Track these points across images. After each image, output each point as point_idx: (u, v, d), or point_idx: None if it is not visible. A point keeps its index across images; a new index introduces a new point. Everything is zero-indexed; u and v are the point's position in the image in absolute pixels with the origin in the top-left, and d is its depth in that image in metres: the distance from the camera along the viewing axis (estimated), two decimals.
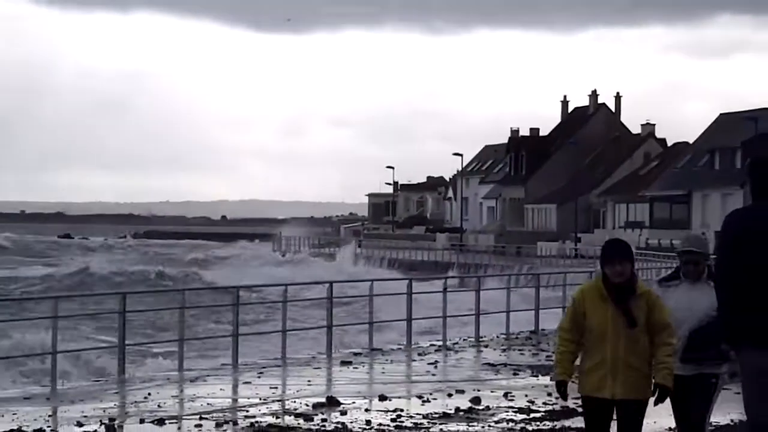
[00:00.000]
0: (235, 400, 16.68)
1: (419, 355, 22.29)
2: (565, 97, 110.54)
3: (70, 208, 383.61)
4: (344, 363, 20.80)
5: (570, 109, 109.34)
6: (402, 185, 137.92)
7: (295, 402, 15.91)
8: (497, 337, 25.88)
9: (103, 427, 13.53)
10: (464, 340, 25.20)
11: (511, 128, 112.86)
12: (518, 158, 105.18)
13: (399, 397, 16.41)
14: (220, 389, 17.45)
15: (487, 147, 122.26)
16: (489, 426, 14.08)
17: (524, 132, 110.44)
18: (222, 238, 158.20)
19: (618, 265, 8.53)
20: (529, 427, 13.99)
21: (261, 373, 19.28)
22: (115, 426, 13.65)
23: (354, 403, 15.85)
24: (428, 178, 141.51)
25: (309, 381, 18.31)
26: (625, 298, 8.51)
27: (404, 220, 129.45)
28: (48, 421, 14.29)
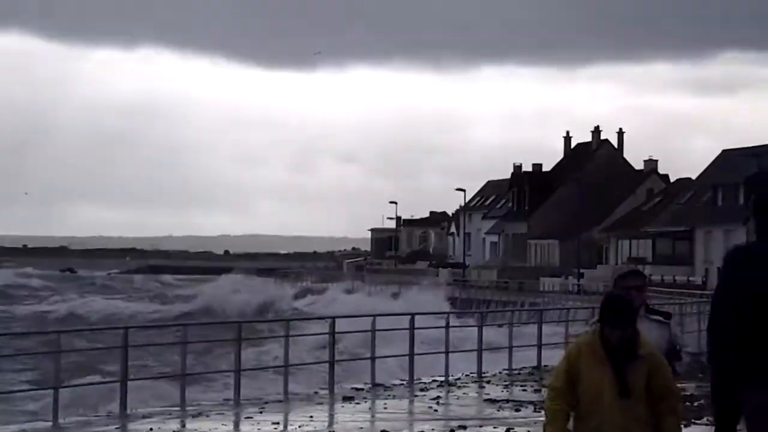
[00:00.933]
0: None
1: (421, 390, 22.26)
2: (568, 132, 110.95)
3: (73, 243, 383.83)
4: (346, 399, 20.76)
5: (573, 144, 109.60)
6: (405, 220, 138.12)
7: None
8: (500, 372, 25.84)
9: None
10: (466, 375, 25.16)
11: (513, 164, 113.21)
12: (521, 194, 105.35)
13: None
14: (222, 425, 17.41)
15: (489, 182, 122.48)
16: None
17: (527, 167, 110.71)
18: (224, 272, 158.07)
19: (618, 331, 7.59)
20: None
21: (263, 408, 19.25)
22: None
23: None
24: (431, 213, 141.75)
25: (311, 417, 18.28)
26: (623, 362, 7.55)
27: (407, 255, 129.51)
28: None
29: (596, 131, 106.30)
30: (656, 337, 8.71)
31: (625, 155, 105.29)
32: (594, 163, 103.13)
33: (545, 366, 26.80)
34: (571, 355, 7.64)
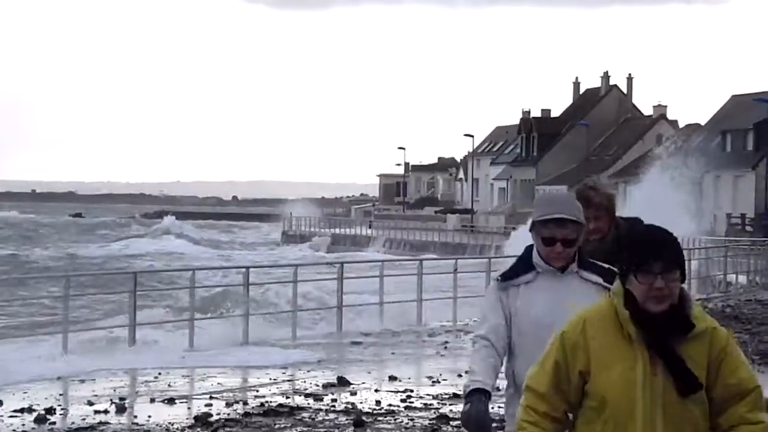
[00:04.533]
0: (245, 380, 16.68)
1: (429, 336, 22.29)
2: (576, 78, 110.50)
3: (81, 188, 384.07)
4: (354, 343, 20.81)
5: (582, 90, 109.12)
6: (413, 166, 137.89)
7: (305, 382, 15.93)
8: None
9: (113, 406, 13.55)
10: (474, 321, 25.16)
11: (522, 109, 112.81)
12: (529, 139, 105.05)
13: (409, 378, 16.41)
14: (231, 369, 17.48)
15: (498, 128, 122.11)
16: (499, 407, 14.05)
17: (536, 113, 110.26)
18: (235, 218, 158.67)
19: (661, 277, 4.46)
20: None
21: (270, 352, 19.31)
22: (126, 405, 13.68)
23: (364, 383, 15.86)
24: (439, 159, 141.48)
25: (319, 361, 18.33)
26: (673, 339, 4.48)
27: (415, 201, 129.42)
28: (59, 399, 14.32)
29: (605, 76, 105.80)
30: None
31: (634, 101, 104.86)
32: (603, 108, 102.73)
33: None
34: (566, 340, 4.56)
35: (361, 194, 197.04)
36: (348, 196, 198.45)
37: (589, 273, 5.79)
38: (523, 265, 5.85)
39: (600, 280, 5.71)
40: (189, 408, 13.73)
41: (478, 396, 5.49)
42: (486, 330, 5.74)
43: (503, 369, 5.82)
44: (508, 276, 5.85)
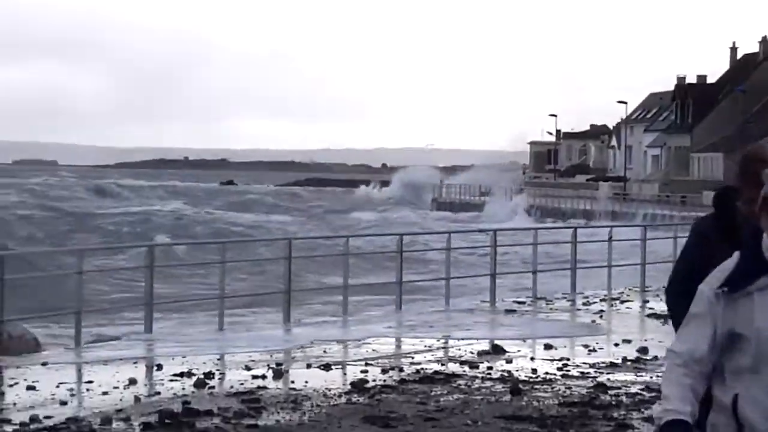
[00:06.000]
0: (399, 347, 16.68)
1: (584, 304, 22.04)
2: (734, 43, 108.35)
3: (233, 156, 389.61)
4: (508, 311, 20.67)
5: (739, 55, 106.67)
6: (564, 133, 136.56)
7: (459, 350, 15.86)
8: (663, 287, 25.37)
9: (270, 371, 13.65)
10: (630, 289, 24.80)
11: (677, 75, 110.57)
12: (684, 106, 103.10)
13: (564, 347, 16.24)
14: (385, 336, 17.49)
15: (652, 94, 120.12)
16: (657, 376, 13.81)
17: (691, 79, 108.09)
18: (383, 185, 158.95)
19: None
20: None
21: (426, 320, 19.30)
22: (283, 371, 13.76)
23: (519, 351, 15.73)
24: (591, 126, 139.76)
25: (471, 330, 18.25)
26: None
27: (566, 169, 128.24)
28: (217, 364, 14.49)
29: (764, 41, 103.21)
30: None
31: None
32: (761, 74, 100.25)
33: None
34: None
35: (511, 162, 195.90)
36: (498, 164, 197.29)
37: None
38: (752, 261, 4.22)
39: None
40: (344, 374, 13.77)
41: (675, 430, 4.25)
42: (686, 348, 4.34)
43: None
44: (736, 283, 4.24)
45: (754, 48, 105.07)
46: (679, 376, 4.31)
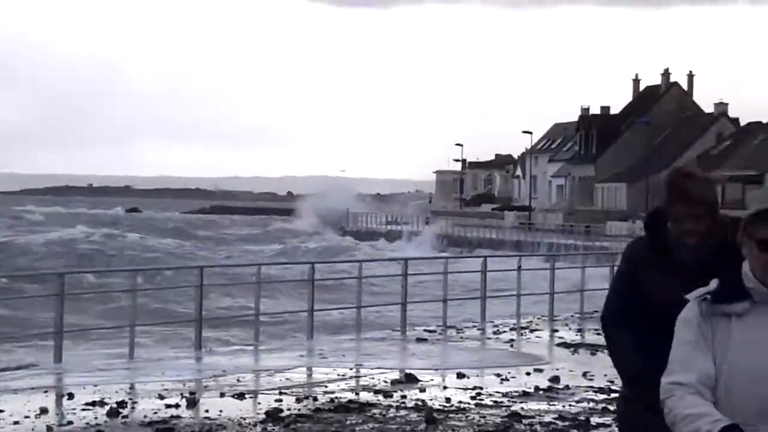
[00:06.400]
0: (312, 376, 16.64)
1: (494, 333, 22.17)
2: (636, 75, 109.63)
3: (137, 182, 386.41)
4: (419, 340, 20.73)
5: (641, 87, 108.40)
6: (470, 163, 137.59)
7: (373, 378, 15.86)
8: (572, 316, 25.67)
9: (184, 400, 13.55)
10: (538, 318, 25.02)
11: (581, 106, 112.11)
12: (588, 136, 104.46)
13: (477, 375, 16.32)
14: (298, 365, 17.44)
15: (556, 125, 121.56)
16: (570, 405, 13.95)
17: (595, 110, 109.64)
18: (286, 213, 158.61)
19: None
20: (611, 407, 13.81)
21: (338, 348, 19.28)
22: (196, 399, 13.67)
23: (432, 380, 15.78)
24: (496, 155, 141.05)
25: (384, 358, 18.27)
26: None
27: (472, 198, 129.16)
28: (129, 393, 14.35)
29: (665, 74, 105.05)
30: None
31: (695, 98, 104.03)
32: (663, 105, 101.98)
33: None
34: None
35: (416, 190, 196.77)
36: (402, 193, 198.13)
37: None
38: (731, 287, 4.07)
39: None
40: (258, 403, 13.70)
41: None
42: (694, 378, 4.00)
43: None
44: (720, 297, 4.06)
45: (656, 80, 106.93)
46: (700, 400, 3.95)
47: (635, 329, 5.22)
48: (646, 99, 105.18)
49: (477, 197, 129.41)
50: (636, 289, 5.19)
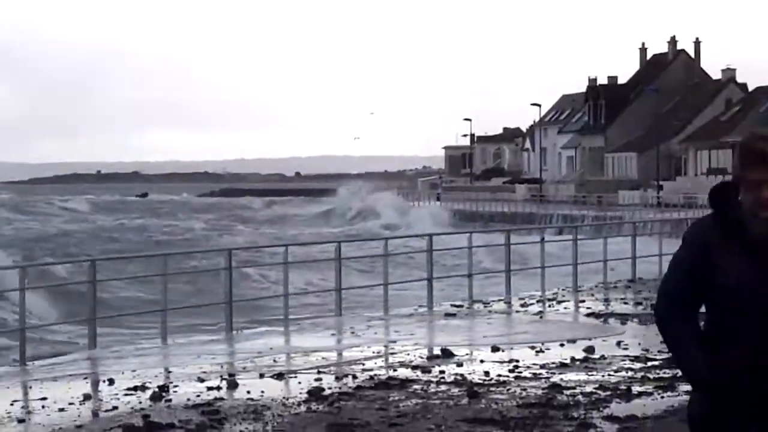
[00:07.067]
0: (347, 354, 16.64)
1: (521, 306, 22.19)
2: (643, 44, 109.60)
3: (145, 168, 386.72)
4: (448, 315, 20.76)
5: (648, 56, 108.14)
6: (478, 137, 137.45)
7: (408, 355, 15.89)
8: (595, 287, 25.68)
9: (224, 382, 13.58)
10: (563, 290, 25.03)
11: (588, 77, 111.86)
12: (597, 107, 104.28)
13: (511, 348, 16.34)
14: (330, 344, 17.49)
15: (564, 96, 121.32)
16: (609, 374, 13.98)
17: (602, 80, 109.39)
18: (297, 194, 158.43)
19: None
20: (650, 375, 13.84)
21: (369, 326, 19.33)
22: (237, 381, 13.70)
23: (468, 354, 15.81)
24: (505, 129, 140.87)
25: (412, 333, 18.30)
26: None
27: (481, 173, 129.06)
28: (169, 377, 14.39)
29: (672, 41, 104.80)
30: None
31: (702, 65, 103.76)
32: (670, 73, 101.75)
33: (640, 278, 26.62)
34: None
35: (424, 167, 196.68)
36: (411, 169, 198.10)
37: None
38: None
39: None
40: (299, 383, 13.72)
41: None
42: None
43: None
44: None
45: (663, 48, 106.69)
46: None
47: (695, 322, 4.69)
48: (653, 67, 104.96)
49: (487, 171, 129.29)
50: (701, 276, 4.64)
